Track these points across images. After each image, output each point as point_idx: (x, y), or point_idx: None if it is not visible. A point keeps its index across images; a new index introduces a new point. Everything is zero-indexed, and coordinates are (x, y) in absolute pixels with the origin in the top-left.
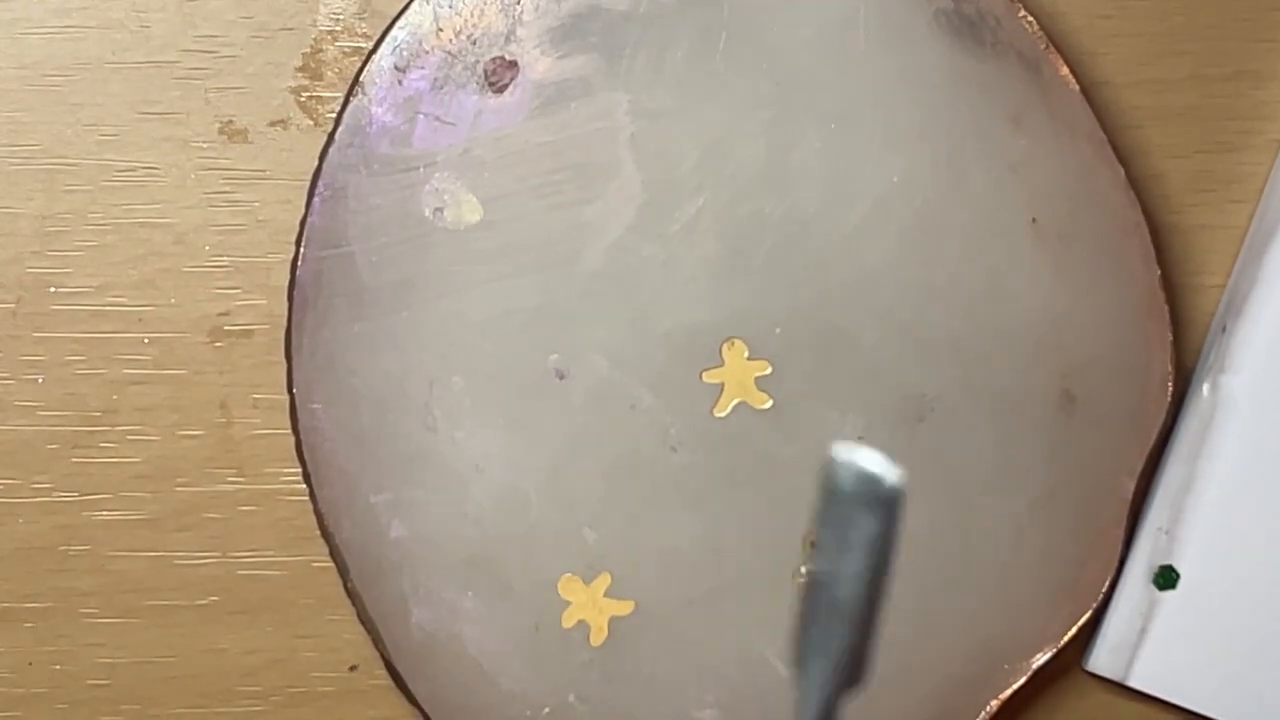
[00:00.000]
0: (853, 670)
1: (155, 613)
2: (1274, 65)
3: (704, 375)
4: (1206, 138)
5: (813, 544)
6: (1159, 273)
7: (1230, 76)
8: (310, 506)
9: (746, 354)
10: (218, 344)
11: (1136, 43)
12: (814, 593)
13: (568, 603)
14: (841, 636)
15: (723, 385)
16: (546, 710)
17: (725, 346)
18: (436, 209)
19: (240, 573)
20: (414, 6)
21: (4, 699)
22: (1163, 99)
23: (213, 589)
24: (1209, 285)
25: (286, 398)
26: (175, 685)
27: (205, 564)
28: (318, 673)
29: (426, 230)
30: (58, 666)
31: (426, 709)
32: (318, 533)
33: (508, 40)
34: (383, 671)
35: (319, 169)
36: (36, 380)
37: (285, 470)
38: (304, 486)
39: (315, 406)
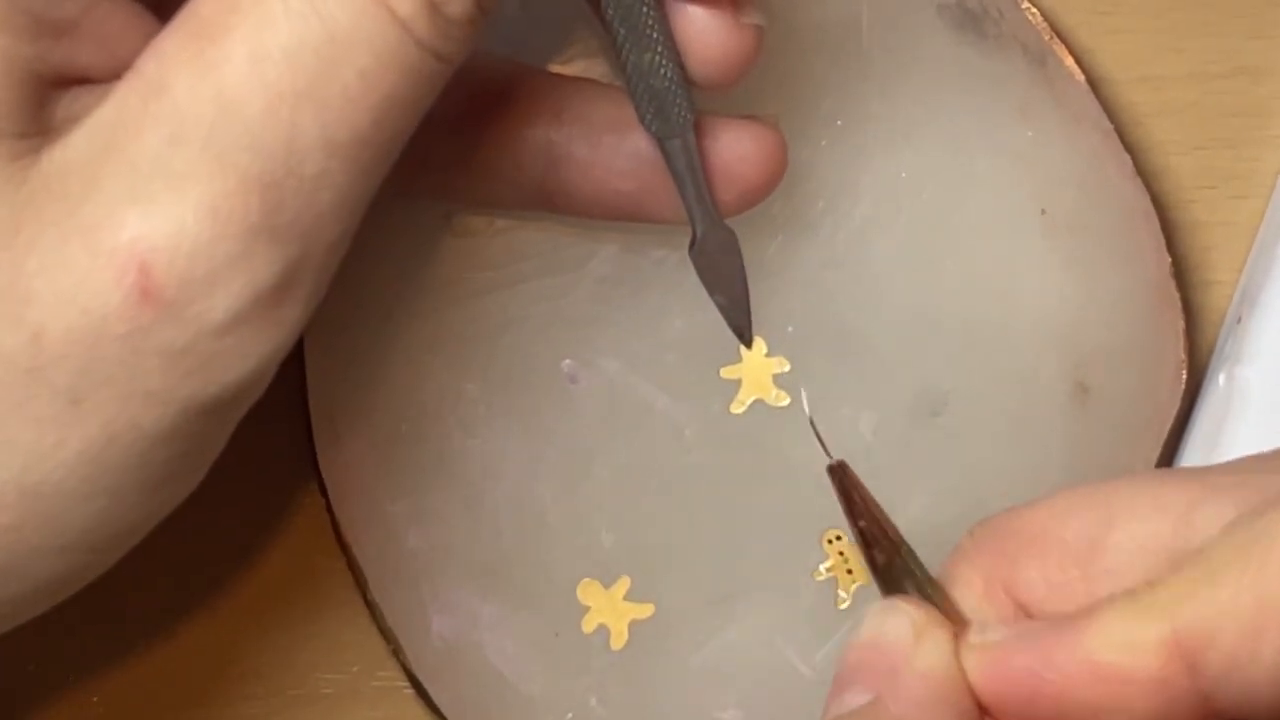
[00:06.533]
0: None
1: (155, 613)
2: (1273, 61)
3: (722, 371)
4: (1206, 134)
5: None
6: (1169, 260)
7: (1229, 73)
8: (314, 507)
9: (765, 350)
10: None
11: (1135, 39)
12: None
13: (587, 607)
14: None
15: (740, 382)
16: (569, 715)
17: None
18: (447, 215)
19: (242, 573)
20: None
21: (2, 703)
22: (1162, 95)
23: (214, 589)
24: (1212, 281)
25: (300, 404)
26: (176, 686)
27: (207, 564)
28: (319, 674)
29: (438, 236)
30: (58, 668)
31: (450, 717)
32: (320, 532)
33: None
34: (386, 673)
35: None
36: None
37: (292, 472)
38: (309, 488)
39: (331, 416)
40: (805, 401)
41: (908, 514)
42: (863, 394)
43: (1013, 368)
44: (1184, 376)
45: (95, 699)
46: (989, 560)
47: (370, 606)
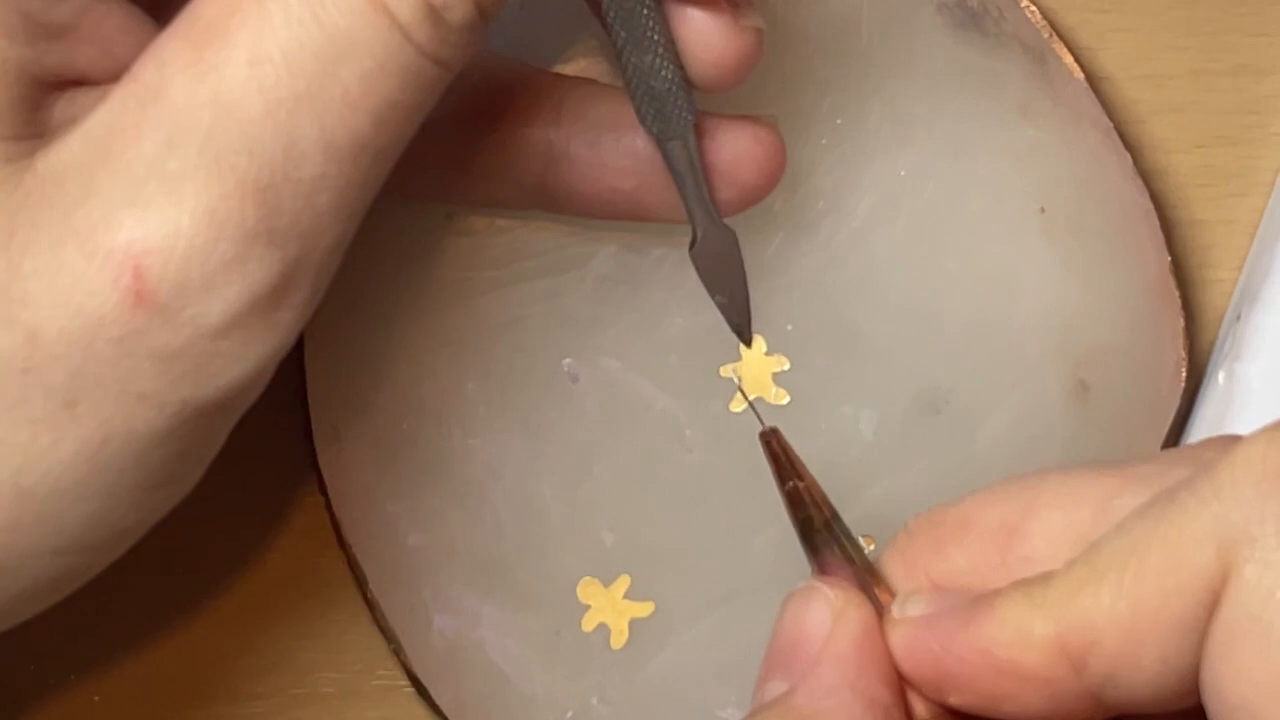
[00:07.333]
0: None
1: (156, 613)
2: (1274, 59)
3: (722, 370)
4: (1207, 132)
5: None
6: (1169, 258)
7: (1230, 71)
8: (314, 507)
9: (765, 349)
10: None
11: (1136, 37)
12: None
13: (587, 606)
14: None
15: (740, 381)
16: (569, 714)
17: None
18: (447, 215)
19: (242, 572)
20: None
21: (4, 703)
22: (1163, 94)
23: (215, 589)
24: (1212, 279)
25: (300, 403)
26: (177, 686)
27: (207, 564)
28: (320, 673)
29: (438, 236)
30: (59, 667)
31: (450, 716)
32: (321, 532)
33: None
34: (386, 672)
35: None
36: None
37: (292, 472)
38: (309, 487)
39: (331, 415)
40: (735, 375)
41: (907, 512)
42: (863, 392)
43: (1013, 366)
44: (1184, 374)
45: (96, 698)
46: (917, 548)
47: (371, 605)
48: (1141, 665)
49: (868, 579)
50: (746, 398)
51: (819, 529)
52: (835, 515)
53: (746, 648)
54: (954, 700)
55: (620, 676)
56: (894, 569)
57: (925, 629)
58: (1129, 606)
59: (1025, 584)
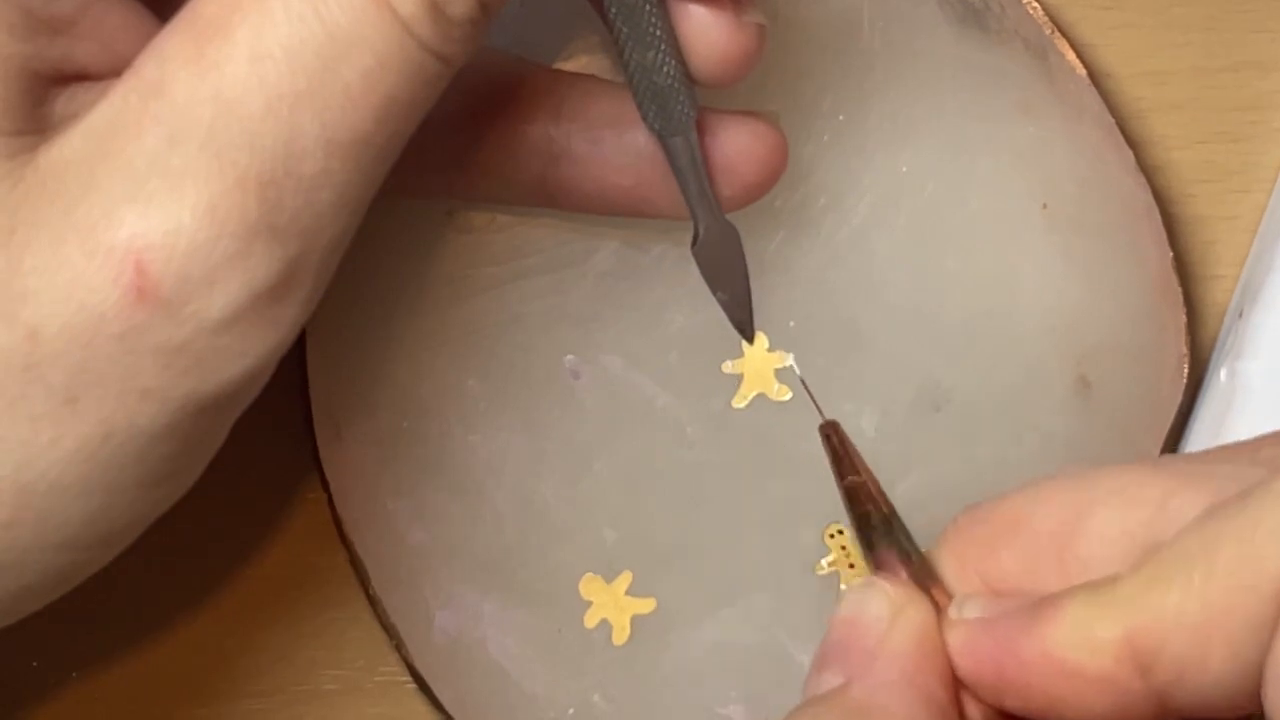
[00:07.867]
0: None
1: (158, 610)
2: (1275, 56)
3: (724, 366)
4: (1208, 129)
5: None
6: (1171, 255)
7: (1232, 67)
8: (315, 504)
9: (767, 345)
10: None
11: (1137, 34)
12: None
13: (589, 603)
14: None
15: (742, 377)
16: (571, 711)
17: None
18: (448, 211)
19: (244, 570)
20: None
21: (5, 700)
22: (1164, 90)
23: (217, 586)
24: (1213, 275)
25: (302, 401)
26: (178, 683)
27: (209, 561)
28: (322, 670)
29: (439, 233)
30: (61, 665)
31: (452, 713)
32: (322, 529)
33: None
34: (388, 669)
35: None
36: None
37: (294, 469)
38: (310, 485)
39: (332, 413)
40: (794, 363)
41: (909, 510)
42: (865, 389)
43: (1014, 363)
44: (1185, 371)
45: (98, 696)
46: (967, 547)
47: (373, 603)
48: (1209, 666)
49: (924, 578)
50: (806, 387)
51: (876, 525)
52: (894, 512)
53: (749, 644)
54: (1010, 704)
55: (622, 673)
56: (946, 568)
57: (985, 631)
58: (1199, 605)
59: (1090, 586)
